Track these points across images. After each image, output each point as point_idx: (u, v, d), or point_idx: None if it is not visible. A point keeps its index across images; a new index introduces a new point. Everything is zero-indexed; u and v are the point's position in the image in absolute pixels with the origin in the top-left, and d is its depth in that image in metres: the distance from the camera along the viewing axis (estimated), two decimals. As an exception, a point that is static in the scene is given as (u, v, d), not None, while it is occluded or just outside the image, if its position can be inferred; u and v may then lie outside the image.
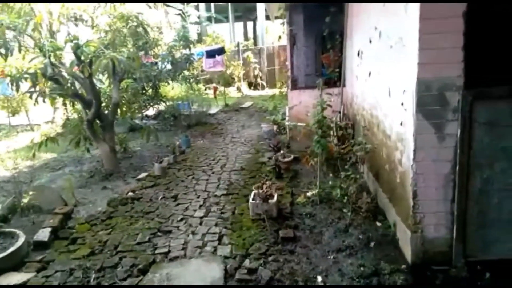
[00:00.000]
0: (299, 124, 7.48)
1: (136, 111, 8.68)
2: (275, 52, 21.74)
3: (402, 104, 3.67)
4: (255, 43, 25.26)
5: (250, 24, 32.41)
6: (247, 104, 15.61)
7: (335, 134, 5.84)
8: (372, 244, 4.00)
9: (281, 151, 6.90)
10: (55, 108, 12.52)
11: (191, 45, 11.84)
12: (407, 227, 3.63)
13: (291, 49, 7.70)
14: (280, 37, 8.49)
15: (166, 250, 4.02)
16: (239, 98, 18.55)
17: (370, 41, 5.07)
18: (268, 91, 20.83)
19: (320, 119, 4.91)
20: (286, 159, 6.33)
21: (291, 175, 6.17)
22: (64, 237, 4.39)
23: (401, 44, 3.66)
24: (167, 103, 12.80)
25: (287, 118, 8.03)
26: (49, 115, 12.89)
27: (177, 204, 5.22)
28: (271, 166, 6.10)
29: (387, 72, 4.27)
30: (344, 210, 4.68)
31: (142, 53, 9.02)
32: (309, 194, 5.16)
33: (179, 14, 20.74)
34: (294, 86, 7.78)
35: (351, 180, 4.42)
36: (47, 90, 5.63)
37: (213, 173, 6.56)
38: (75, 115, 9.03)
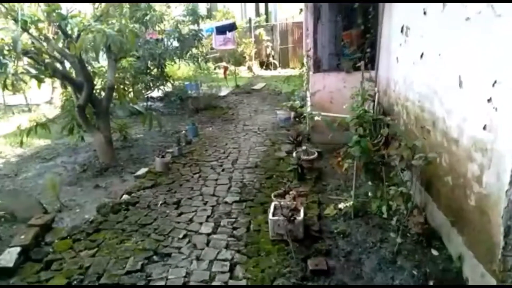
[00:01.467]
0: (322, 113, 6.42)
1: (138, 94, 7.68)
2: (289, 29, 20.33)
3: (489, 100, 2.59)
4: (267, 20, 23.79)
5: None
6: (259, 85, 14.46)
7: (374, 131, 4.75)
8: (431, 283, 3.01)
9: (303, 146, 5.86)
10: (53, 87, 11.57)
11: (200, 20, 10.64)
12: (489, 271, 2.61)
13: (315, 25, 6.53)
14: (301, 10, 7.27)
15: (162, 283, 3.09)
16: (250, 78, 17.36)
17: (425, 13, 3.93)
18: (280, 71, 19.61)
19: (361, 113, 3.83)
20: (310, 157, 5.30)
21: (315, 175, 5.16)
22: (37, 258, 3.47)
23: (492, 13, 2.54)
24: (174, 84, 11.76)
25: (308, 105, 6.95)
26: (48, 95, 11.96)
27: (180, 214, 4.26)
28: (292, 165, 5.08)
29: (458, 53, 3.16)
30: (388, 230, 3.68)
31: (143, 28, 7.92)
32: (341, 206, 4.15)
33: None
34: (317, 68, 6.65)
35: (402, 196, 3.39)
36: (21, 69, 4.61)
37: (223, 170, 5.57)
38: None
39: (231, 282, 3.06)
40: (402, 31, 4.82)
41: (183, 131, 7.48)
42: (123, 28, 4.57)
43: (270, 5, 24.17)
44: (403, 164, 3.68)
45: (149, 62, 9.92)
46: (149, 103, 11.30)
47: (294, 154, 5.48)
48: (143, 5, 6.09)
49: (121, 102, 6.42)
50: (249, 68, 19.13)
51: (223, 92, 12.79)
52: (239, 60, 17.33)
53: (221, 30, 12.69)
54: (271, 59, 20.38)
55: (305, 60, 7.28)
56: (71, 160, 6.60)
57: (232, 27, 12.89)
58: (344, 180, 4.97)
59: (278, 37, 20.35)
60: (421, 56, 4.08)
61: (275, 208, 3.83)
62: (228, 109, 10.35)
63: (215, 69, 16.44)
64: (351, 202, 4.04)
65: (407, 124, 4.59)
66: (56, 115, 7.23)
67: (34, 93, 12.01)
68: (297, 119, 8.02)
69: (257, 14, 27.86)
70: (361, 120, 3.87)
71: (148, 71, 10.41)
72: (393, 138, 4.18)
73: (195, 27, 10.77)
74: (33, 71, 4.58)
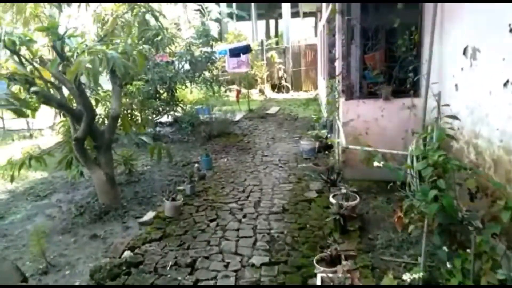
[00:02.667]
0: (354, 147, 5.51)
1: (146, 122, 6.86)
2: (302, 51, 19.73)
3: None
4: (277, 42, 23.28)
5: (272, 22, 30.42)
6: (273, 109, 13.65)
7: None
8: None
9: (341, 187, 4.92)
10: (56, 111, 10.83)
11: (213, 42, 9.94)
12: None
13: (348, 45, 5.69)
14: (330, 30, 6.47)
15: None
16: (263, 102, 16.61)
17: (512, 30, 3.06)
18: (293, 94, 18.90)
19: (441, 160, 2.87)
20: (352, 203, 4.34)
21: (358, 225, 4.19)
22: None
23: None
24: (184, 109, 11.00)
25: (339, 136, 6.04)
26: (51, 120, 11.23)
27: (195, 282, 3.31)
28: (332, 215, 4.12)
29: None
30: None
31: (152, 50, 7.17)
32: (406, 276, 3.17)
33: (198, 10, 18.96)
34: (350, 94, 5.77)
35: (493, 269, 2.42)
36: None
37: (244, 216, 4.62)
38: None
39: None
40: (465, 53, 3.95)
41: (196, 164, 6.58)
42: (129, 50, 3.75)
43: (282, 26, 23.69)
44: (496, 228, 2.72)
45: (158, 86, 9.19)
46: (158, 128, 10.50)
47: (331, 199, 4.53)
48: (153, 24, 5.32)
49: (127, 132, 5.57)
50: (261, 91, 18.44)
51: (236, 117, 11.97)
52: (251, 82, 16.62)
53: (235, 53, 12.00)
54: (283, 82, 19.72)
55: (336, 85, 6.42)
56: (68, 198, 5.71)
57: (246, 49, 12.20)
58: (395, 231, 4.01)
59: (290, 60, 19.74)
60: (506, 83, 3.18)
61: (322, 281, 2.87)
62: (243, 136, 9.48)
63: (225, 91, 15.73)
64: (420, 273, 3.06)
65: (478, 167, 3.65)
66: (52, 146, 6.38)
67: (37, 117, 11.28)
68: (323, 151, 7.10)
69: (268, 36, 27.47)
70: (440, 168, 2.91)
71: (158, 95, 9.67)
72: (483, 192, 3.20)
73: (208, 49, 10.08)
74: (16, 102, 3.74)
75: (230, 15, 21.30)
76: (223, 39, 19.76)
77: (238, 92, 13.40)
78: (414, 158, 4.72)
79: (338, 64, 6.56)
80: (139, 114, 7.18)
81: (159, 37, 5.58)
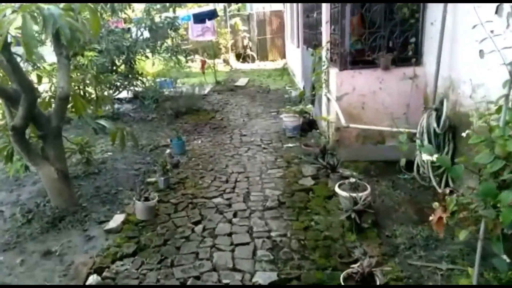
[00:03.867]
0: (356, 126, 4.86)
1: (103, 101, 5.70)
2: (267, 18, 18.59)
3: None
4: (238, 9, 21.84)
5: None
6: (242, 81, 12.68)
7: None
8: None
9: (340, 171, 4.25)
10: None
11: (174, 6, 8.70)
12: None
13: (343, 7, 4.85)
14: None
15: None
16: (229, 73, 15.53)
17: None
18: (259, 64, 17.91)
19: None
20: (362, 193, 3.66)
21: (370, 219, 3.55)
22: None
23: None
24: (146, 83, 9.81)
25: (338, 114, 5.31)
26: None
27: (189, 318, 2.53)
28: (344, 212, 3.43)
29: None
30: None
31: (106, 11, 5.98)
32: (454, 293, 2.57)
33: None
34: (345, 64, 5.00)
35: None
36: None
37: (235, 215, 3.84)
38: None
39: None
40: (497, 12, 3.27)
41: (167, 150, 5.63)
42: (76, 6, 2.70)
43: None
44: None
45: (115, 57, 7.93)
46: (117, 106, 9.27)
47: (337, 189, 3.83)
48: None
49: (80, 116, 4.49)
50: (226, 61, 17.29)
51: (203, 90, 10.91)
52: (216, 52, 15.40)
53: (200, 19, 10.76)
54: (248, 51, 18.60)
55: (324, 54, 5.61)
56: (11, 199, 4.62)
57: (212, 14, 10.97)
58: (413, 224, 3.43)
59: (255, 27, 18.57)
60: None
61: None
62: (214, 112, 8.54)
63: (186, 62, 14.40)
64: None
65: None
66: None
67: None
68: (308, 128, 6.38)
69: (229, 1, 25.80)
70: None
71: (114, 68, 8.41)
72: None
73: (170, 14, 8.84)
74: None
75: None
76: (183, 5, 18.12)
77: (204, 62, 12.25)
78: (427, 136, 4.14)
79: (326, 29, 5.74)
80: (93, 92, 6.00)
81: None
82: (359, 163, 5.05)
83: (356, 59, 5.02)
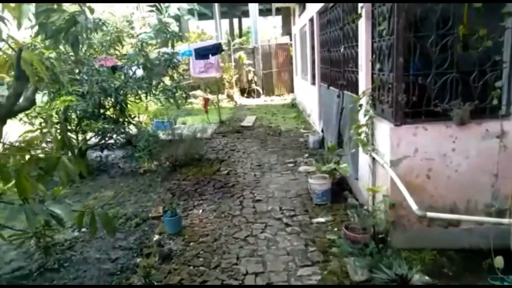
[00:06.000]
0: (438, 215, 3.36)
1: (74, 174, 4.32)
2: (272, 51, 17.50)
3: None
4: (241, 43, 20.86)
5: (235, 21, 27.96)
6: (248, 120, 11.28)
7: None
8: None
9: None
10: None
11: (174, 40, 7.40)
12: None
13: (403, 38, 3.43)
14: (355, 17, 4.18)
15: None
16: (233, 109, 14.20)
17: None
18: (265, 99, 16.65)
19: None
20: None
21: None
22: None
23: None
24: (140, 125, 8.41)
25: (380, 179, 3.78)
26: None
27: None
28: None
29: None
30: None
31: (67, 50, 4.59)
32: None
33: (154, 6, 16.18)
34: (403, 116, 3.53)
35: None
36: None
37: None
38: None
39: None
40: None
41: (155, 236, 4.07)
42: None
43: (248, 24, 21.36)
44: None
45: (102, 99, 6.55)
46: (106, 153, 7.81)
47: None
48: (66, 5, 2.76)
49: (25, 200, 2.98)
50: (230, 97, 16.01)
51: (206, 133, 9.48)
52: (219, 88, 14.12)
53: (202, 54, 9.48)
54: (253, 85, 17.39)
55: (364, 101, 4.16)
56: None
57: (216, 49, 9.69)
58: None
59: (260, 61, 17.44)
60: None
61: None
62: (219, 163, 7.03)
63: (186, 104, 13.01)
64: None
65: None
66: None
67: None
68: (340, 191, 4.85)
69: (232, 35, 25.01)
70: None
71: (102, 112, 7.01)
72: None
73: (168, 49, 7.54)
74: None
75: (191, 12, 18.60)
76: (184, 39, 17.09)
77: (206, 100, 10.89)
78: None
79: (365, 67, 4.32)
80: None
81: (81, 28, 3.01)
82: (425, 254, 3.53)
83: (418, 109, 3.56)
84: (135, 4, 15.67)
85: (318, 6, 7.51)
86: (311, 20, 8.75)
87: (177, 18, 19.34)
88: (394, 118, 3.53)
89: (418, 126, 3.49)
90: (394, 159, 3.55)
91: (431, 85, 3.50)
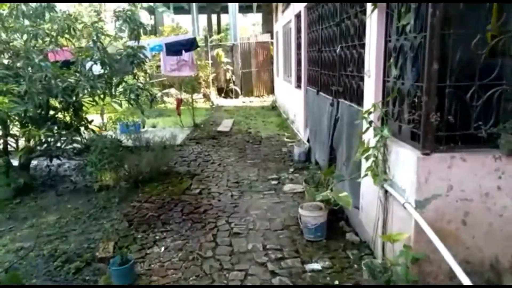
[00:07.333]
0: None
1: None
2: (252, 50, 16.49)
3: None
4: (220, 40, 19.72)
5: (214, 17, 26.71)
6: (225, 124, 10.23)
7: None
8: None
9: None
10: None
11: (139, 32, 6.20)
12: None
13: (436, 36, 2.50)
14: (375, 5, 3.18)
15: None
16: (210, 111, 13.11)
17: None
18: (244, 100, 15.64)
19: None
20: None
21: None
22: None
23: None
24: (100, 129, 7.26)
25: (398, 222, 2.84)
26: None
27: None
28: None
29: None
30: None
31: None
32: None
33: (126, -4, 14.76)
34: (432, 142, 2.60)
35: None
36: None
37: None
38: None
39: None
40: None
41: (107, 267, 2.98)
42: None
43: (227, 21, 20.22)
44: None
45: (47, 100, 5.35)
46: (58, 162, 6.54)
47: None
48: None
49: None
50: (206, 97, 14.88)
51: (178, 138, 8.36)
52: (195, 87, 12.96)
53: (175, 50, 8.31)
54: (231, 85, 16.33)
55: (373, 115, 3.20)
56: None
57: (191, 44, 8.53)
58: None
59: (239, 59, 16.39)
60: None
61: None
62: (190, 178, 5.95)
63: (151, 107, 11.74)
64: None
65: None
66: None
67: None
68: (335, 223, 3.90)
69: (210, 31, 23.78)
70: None
71: (51, 114, 5.80)
72: None
73: (133, 42, 6.35)
74: None
75: (166, 5, 17.25)
76: (158, 33, 15.78)
77: (179, 102, 9.74)
78: None
79: (375, 72, 3.37)
80: None
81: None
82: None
83: (454, 133, 2.65)
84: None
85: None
86: (298, 16, 7.79)
87: (151, 11, 17.98)
88: (422, 144, 2.60)
89: (454, 155, 2.58)
90: (420, 199, 2.62)
91: (473, 101, 2.59)
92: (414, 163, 2.60)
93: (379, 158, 3.13)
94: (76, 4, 14.16)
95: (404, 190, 2.78)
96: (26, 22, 5.72)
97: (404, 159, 2.78)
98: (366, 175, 3.24)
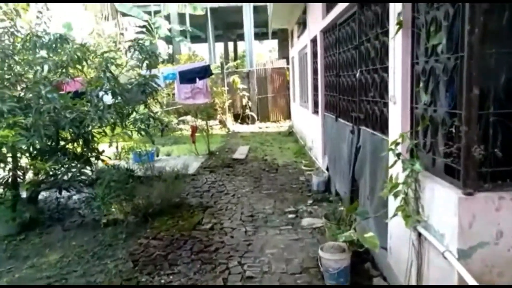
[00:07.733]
0: None
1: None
2: (268, 76, 16.41)
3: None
4: (236, 66, 19.81)
5: (230, 45, 27.09)
6: (241, 151, 9.94)
7: None
8: None
9: None
10: None
11: (151, 61, 6.07)
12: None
13: (471, 60, 2.15)
14: (400, 23, 2.87)
15: None
16: (225, 137, 12.89)
17: None
18: (261, 126, 15.40)
19: None
20: None
21: None
22: None
23: None
24: (109, 163, 7.06)
25: (435, 270, 2.39)
26: None
27: None
28: None
29: None
30: None
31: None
32: None
33: (144, 26, 15.10)
34: (475, 179, 2.20)
35: None
36: None
37: None
38: None
39: None
40: None
41: None
42: None
43: (243, 48, 20.37)
44: None
45: (54, 132, 5.19)
46: (67, 195, 6.34)
47: None
48: None
49: None
50: (222, 123, 14.74)
51: (191, 168, 8.10)
52: (210, 113, 12.84)
53: (189, 78, 8.21)
54: (248, 111, 16.18)
55: (400, 146, 2.82)
56: None
57: (205, 71, 8.42)
58: None
59: (255, 85, 16.31)
60: None
61: None
62: (202, 211, 5.62)
63: (162, 135, 11.64)
64: None
65: None
66: None
67: None
68: (360, 267, 3.45)
69: (226, 58, 24.04)
70: None
71: (60, 146, 5.66)
72: None
73: (146, 72, 6.22)
74: None
75: (183, 33, 17.53)
76: (175, 61, 15.95)
77: (194, 130, 9.55)
78: None
79: (401, 98, 3.00)
80: None
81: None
82: None
83: (501, 169, 2.24)
84: (123, 25, 14.60)
85: (322, 24, 6.33)
86: (313, 40, 7.58)
87: (169, 40, 18.31)
88: (463, 182, 2.19)
89: (503, 195, 2.16)
90: (464, 247, 2.19)
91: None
92: (455, 205, 2.19)
93: (410, 195, 2.73)
94: (96, 36, 14.51)
95: (443, 235, 2.36)
96: (41, 53, 5.71)
97: (442, 199, 2.36)
98: (395, 215, 2.82)
